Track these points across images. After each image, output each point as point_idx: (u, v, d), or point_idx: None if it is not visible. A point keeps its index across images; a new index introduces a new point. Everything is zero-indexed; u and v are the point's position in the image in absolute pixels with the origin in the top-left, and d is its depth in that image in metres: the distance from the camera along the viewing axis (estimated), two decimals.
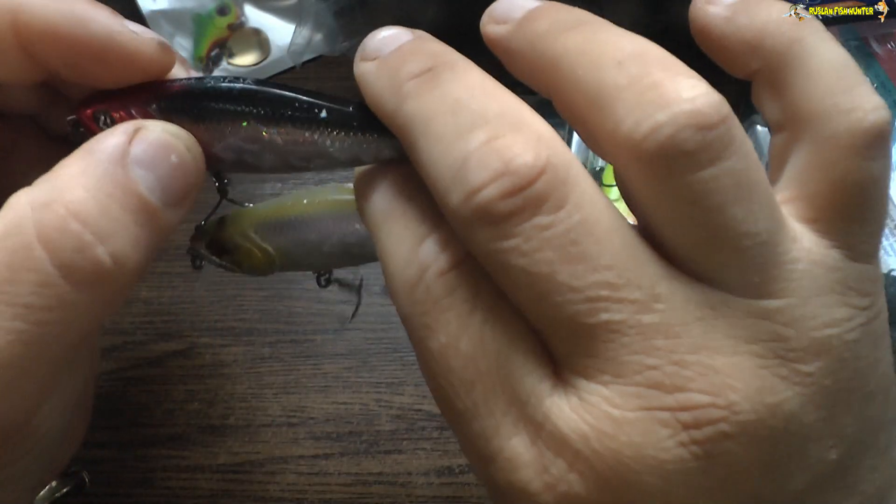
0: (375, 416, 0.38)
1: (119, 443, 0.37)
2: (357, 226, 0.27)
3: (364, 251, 0.28)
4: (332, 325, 0.40)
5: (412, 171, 0.20)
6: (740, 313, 0.17)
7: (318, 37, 0.46)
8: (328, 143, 0.21)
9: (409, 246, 0.20)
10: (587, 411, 0.17)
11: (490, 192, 0.17)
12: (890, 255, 0.37)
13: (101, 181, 0.19)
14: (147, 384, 0.39)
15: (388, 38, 0.21)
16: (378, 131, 0.21)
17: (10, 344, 0.18)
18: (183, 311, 0.40)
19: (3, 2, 0.20)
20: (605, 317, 0.17)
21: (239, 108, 0.21)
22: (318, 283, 0.34)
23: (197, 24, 0.49)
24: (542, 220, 0.17)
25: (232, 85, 0.21)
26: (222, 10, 0.49)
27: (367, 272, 0.42)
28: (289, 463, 0.37)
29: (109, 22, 0.20)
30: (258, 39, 0.49)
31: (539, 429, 0.18)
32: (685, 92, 0.16)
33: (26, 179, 0.20)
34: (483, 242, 0.17)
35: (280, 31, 0.49)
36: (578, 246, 0.17)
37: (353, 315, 0.41)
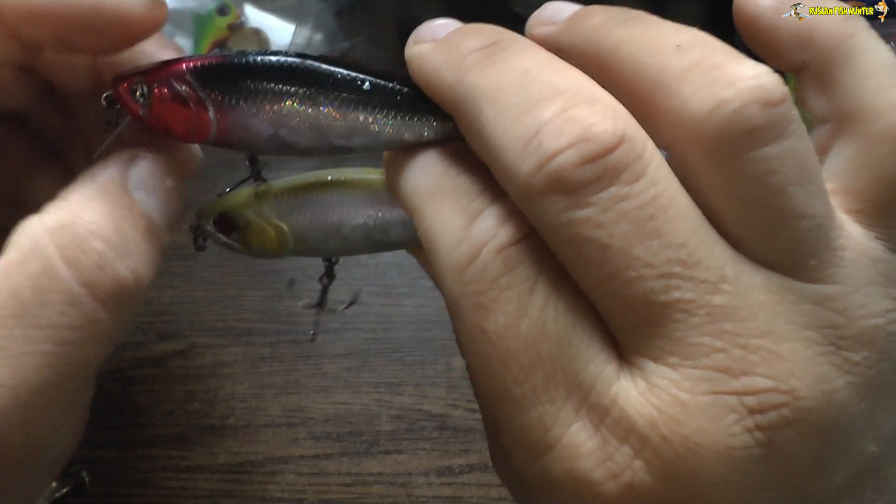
0: (375, 416, 0.38)
1: (119, 443, 0.37)
2: (382, 210, 0.25)
3: (387, 238, 0.25)
4: (332, 325, 0.40)
5: (458, 148, 0.20)
6: (799, 298, 0.18)
7: (318, 37, 0.46)
8: (370, 119, 0.21)
9: (461, 222, 0.19)
10: (655, 395, 0.17)
11: (567, 158, 0.17)
12: None
13: (109, 203, 0.20)
14: (147, 384, 0.38)
15: (443, 24, 0.21)
16: (426, 109, 0.21)
17: (43, 367, 0.18)
18: (183, 311, 0.40)
19: None
20: (676, 295, 0.17)
21: (279, 84, 0.21)
22: (322, 278, 0.32)
23: (197, 24, 0.49)
24: (618, 190, 0.17)
25: (271, 59, 0.21)
26: (222, 10, 0.49)
27: (367, 272, 0.42)
28: (289, 463, 0.37)
29: None
30: (258, 39, 0.49)
31: (604, 415, 0.17)
32: (749, 71, 0.17)
33: (11, 180, 0.20)
34: (555, 214, 0.17)
35: (280, 31, 0.49)
36: (654, 221, 0.17)
37: (314, 332, 0.39)
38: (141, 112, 0.21)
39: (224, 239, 0.25)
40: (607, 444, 0.17)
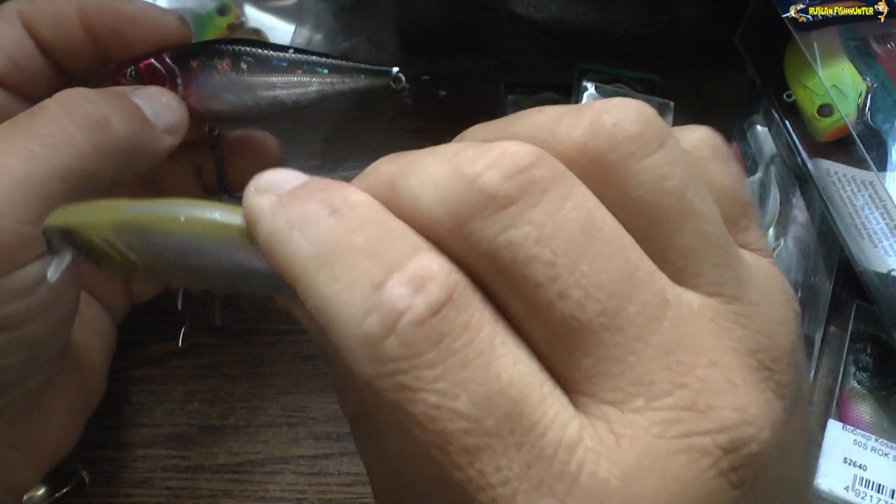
0: None
1: (119, 443, 0.37)
2: (241, 256, 0.22)
3: (249, 284, 0.22)
4: None
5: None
6: (730, 321, 0.17)
7: (318, 37, 0.46)
8: (275, 80, 0.31)
9: (366, 290, 0.16)
10: (627, 449, 0.15)
11: (492, 175, 0.16)
12: (890, 255, 0.37)
13: (107, 92, 0.28)
14: (147, 384, 0.38)
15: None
16: (315, 66, 0.32)
17: (20, 159, 0.25)
18: (183, 310, 0.40)
19: None
20: (626, 317, 0.15)
21: (212, 57, 0.31)
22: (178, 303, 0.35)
23: (197, 23, 0.49)
24: (551, 205, 0.16)
25: (220, 46, 0.32)
26: (222, 10, 0.49)
27: None
28: (289, 463, 0.37)
29: (139, 4, 0.31)
30: (258, 40, 0.49)
31: (572, 485, 0.15)
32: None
33: None
34: (493, 235, 0.16)
35: (280, 31, 0.49)
36: (592, 236, 0.16)
37: (182, 338, 0.39)
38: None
39: (74, 254, 0.22)
40: None
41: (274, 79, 0.32)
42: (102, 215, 0.22)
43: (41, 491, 0.32)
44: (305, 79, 0.32)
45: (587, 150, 0.17)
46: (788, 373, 0.17)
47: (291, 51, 0.32)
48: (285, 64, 0.32)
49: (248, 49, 0.32)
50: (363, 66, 0.32)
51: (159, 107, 0.30)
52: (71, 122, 0.26)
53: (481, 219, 0.16)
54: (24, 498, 0.32)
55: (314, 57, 0.32)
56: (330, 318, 0.16)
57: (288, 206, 0.18)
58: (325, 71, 0.32)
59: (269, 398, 0.38)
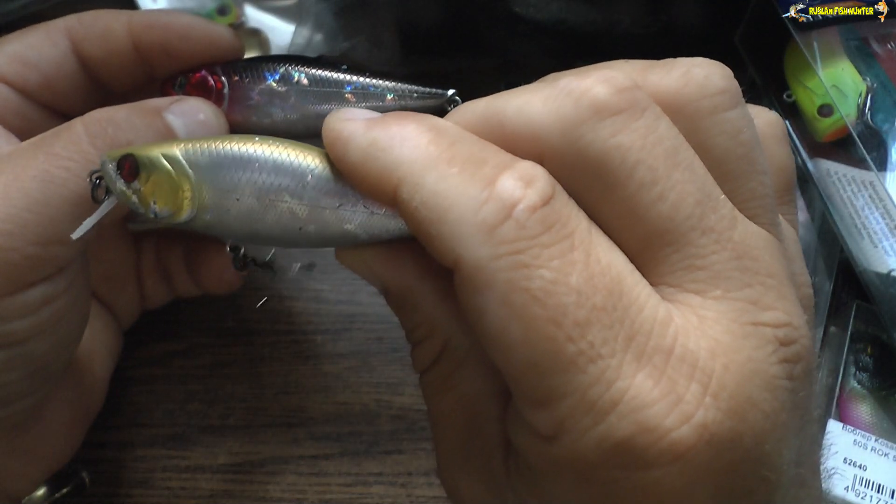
0: (375, 416, 0.38)
1: (119, 443, 0.37)
2: (309, 196, 0.22)
3: (307, 231, 0.22)
4: (332, 326, 0.40)
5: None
6: (778, 249, 0.19)
7: (318, 37, 0.46)
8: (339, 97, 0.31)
9: (478, 185, 0.18)
10: (708, 327, 0.18)
11: (602, 89, 0.18)
12: (890, 255, 0.37)
13: (136, 108, 0.26)
14: (147, 384, 0.38)
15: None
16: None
17: (36, 180, 0.24)
18: (183, 311, 0.40)
19: (119, 14, 0.30)
20: (709, 222, 0.18)
21: (263, 71, 0.30)
22: (234, 263, 0.33)
23: None
24: (650, 121, 0.18)
25: (266, 63, 0.31)
26: (222, 10, 0.49)
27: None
28: (289, 463, 0.37)
29: (189, 17, 0.30)
30: (258, 40, 0.49)
31: (668, 355, 0.17)
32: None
33: None
34: (605, 137, 0.18)
35: (280, 31, 0.49)
36: (681, 153, 0.19)
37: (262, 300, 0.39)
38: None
39: (122, 186, 0.22)
40: (676, 385, 0.17)
41: (324, 96, 0.31)
42: (172, 142, 0.23)
43: (41, 491, 0.32)
44: (356, 99, 0.31)
45: (679, 95, 0.19)
46: (810, 314, 0.20)
47: (345, 68, 0.31)
48: (337, 82, 0.31)
49: (299, 66, 0.31)
50: (417, 88, 0.31)
51: (195, 125, 0.28)
52: (93, 147, 0.25)
53: (594, 122, 0.18)
54: (24, 499, 0.32)
55: (367, 77, 0.31)
56: (443, 210, 0.18)
57: (385, 125, 0.20)
58: (378, 91, 0.31)
59: (269, 398, 0.38)
